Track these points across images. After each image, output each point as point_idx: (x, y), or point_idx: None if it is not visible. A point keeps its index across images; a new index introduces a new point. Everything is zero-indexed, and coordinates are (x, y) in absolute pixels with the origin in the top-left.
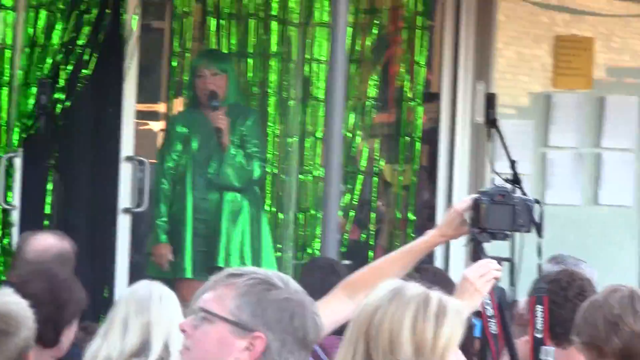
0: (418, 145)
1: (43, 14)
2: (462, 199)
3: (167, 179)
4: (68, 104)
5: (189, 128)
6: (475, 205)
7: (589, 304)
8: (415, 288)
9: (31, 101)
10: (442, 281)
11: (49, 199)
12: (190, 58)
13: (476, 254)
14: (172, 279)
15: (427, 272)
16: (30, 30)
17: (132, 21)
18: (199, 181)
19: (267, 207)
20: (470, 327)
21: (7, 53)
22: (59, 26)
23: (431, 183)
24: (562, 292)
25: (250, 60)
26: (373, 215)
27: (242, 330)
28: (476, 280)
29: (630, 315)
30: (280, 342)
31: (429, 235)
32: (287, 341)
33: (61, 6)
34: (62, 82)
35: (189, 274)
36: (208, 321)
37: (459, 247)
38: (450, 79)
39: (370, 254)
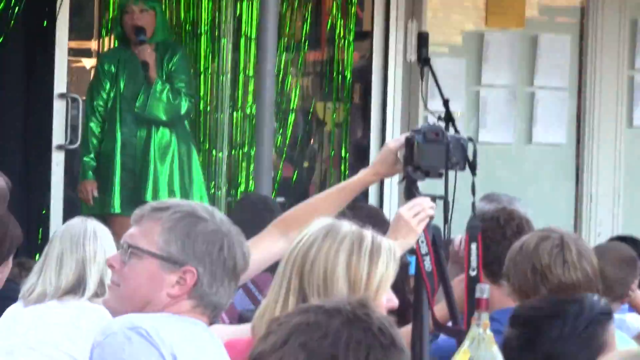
0: (350, 83)
1: None
2: (396, 137)
3: (95, 116)
4: (0, 40)
5: (116, 66)
6: (409, 144)
7: (518, 249)
8: (349, 226)
9: None
10: (375, 219)
11: None
12: None
13: (410, 192)
14: (103, 215)
15: (360, 210)
16: None
17: None
18: (127, 117)
19: (200, 145)
20: (405, 265)
21: None
22: None
23: (364, 121)
24: (500, 229)
25: None
26: (306, 153)
27: (172, 265)
28: (410, 218)
29: (559, 266)
30: (211, 274)
31: (363, 173)
32: (217, 273)
33: None
34: None
35: (117, 209)
36: (136, 257)
37: (393, 184)
38: (383, 17)
39: (304, 192)
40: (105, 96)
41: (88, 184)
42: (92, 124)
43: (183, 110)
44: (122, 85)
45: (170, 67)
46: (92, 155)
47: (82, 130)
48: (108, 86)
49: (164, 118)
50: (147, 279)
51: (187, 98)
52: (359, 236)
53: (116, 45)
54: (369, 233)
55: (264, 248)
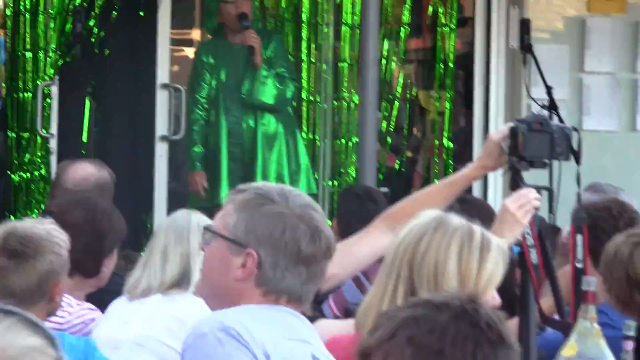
0: (452, 71)
1: None
2: (499, 127)
3: (198, 107)
4: (103, 33)
5: (214, 56)
6: (513, 134)
7: (613, 256)
8: (458, 219)
9: (67, 29)
10: (482, 212)
11: (86, 128)
12: None
13: (515, 182)
14: (211, 207)
15: (468, 203)
16: None
17: None
18: (231, 107)
19: (303, 134)
20: (511, 259)
21: None
22: None
23: (467, 109)
24: (613, 220)
25: None
26: (409, 142)
27: (237, 247)
28: (516, 210)
29: None
30: (273, 257)
31: (470, 168)
32: (280, 257)
33: None
34: (97, 10)
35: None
36: (211, 239)
37: (497, 176)
38: (484, 3)
39: (407, 181)
40: (206, 87)
41: (198, 175)
42: (196, 115)
43: (289, 95)
44: (222, 75)
45: (268, 53)
46: (199, 147)
47: (186, 121)
48: (208, 77)
49: (271, 103)
50: (217, 261)
51: (292, 82)
52: (469, 231)
53: (212, 36)
54: (478, 228)
55: (371, 242)
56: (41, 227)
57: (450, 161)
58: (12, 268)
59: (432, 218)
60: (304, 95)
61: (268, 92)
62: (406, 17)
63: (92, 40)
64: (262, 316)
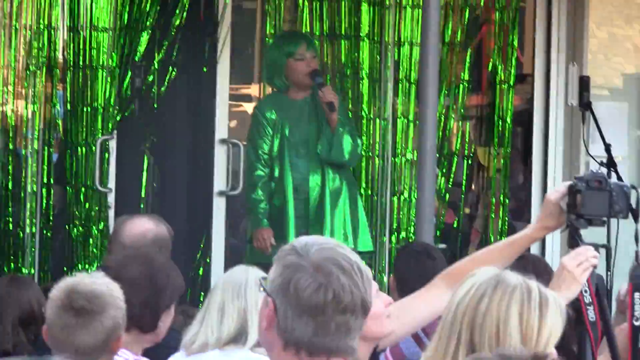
0: (511, 127)
1: None
2: (557, 184)
3: (261, 163)
4: (163, 88)
5: (277, 112)
6: (572, 191)
7: None
8: (515, 277)
9: (126, 84)
10: (539, 269)
11: (144, 182)
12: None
13: (573, 240)
14: (269, 263)
15: (525, 260)
16: (125, 13)
17: (224, 3)
18: (297, 163)
19: (361, 190)
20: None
21: (102, 36)
22: (152, 9)
23: (525, 166)
24: None
25: (342, 42)
26: (468, 199)
27: (266, 297)
28: (574, 268)
29: None
30: (284, 306)
31: (531, 228)
32: (288, 305)
33: None
34: (156, 65)
35: None
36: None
37: (555, 233)
38: (544, 60)
39: (465, 238)
40: (269, 143)
41: (265, 232)
42: (259, 172)
43: (359, 150)
44: (287, 131)
45: None
46: (264, 203)
47: (247, 177)
48: (271, 132)
49: (346, 159)
50: (260, 309)
51: (359, 138)
52: (527, 288)
53: (272, 92)
54: (534, 284)
55: (430, 301)
56: (101, 282)
57: (506, 218)
58: (79, 325)
59: (490, 277)
60: (362, 151)
61: (345, 148)
62: (465, 73)
63: (151, 95)
64: None
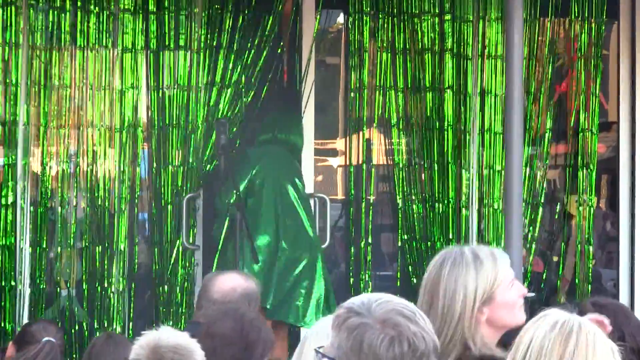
0: (596, 175)
1: (220, 54)
2: None
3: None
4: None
5: None
6: None
7: None
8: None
9: (210, 141)
10: (620, 317)
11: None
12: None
13: None
14: None
15: (605, 308)
16: (208, 71)
17: (308, 58)
18: None
19: (451, 242)
20: None
21: (185, 94)
22: (236, 65)
23: (613, 213)
24: None
25: (427, 94)
26: (556, 247)
27: None
28: None
29: None
30: None
31: None
32: None
33: (236, 46)
34: (239, 121)
35: None
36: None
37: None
38: (629, 108)
39: (554, 286)
40: None
41: None
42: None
43: None
44: None
45: None
46: None
47: (331, 230)
48: None
49: None
50: None
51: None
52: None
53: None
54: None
55: None
56: (179, 333)
57: (590, 265)
58: None
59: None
60: (449, 202)
61: None
62: (549, 122)
63: (236, 150)
64: None
